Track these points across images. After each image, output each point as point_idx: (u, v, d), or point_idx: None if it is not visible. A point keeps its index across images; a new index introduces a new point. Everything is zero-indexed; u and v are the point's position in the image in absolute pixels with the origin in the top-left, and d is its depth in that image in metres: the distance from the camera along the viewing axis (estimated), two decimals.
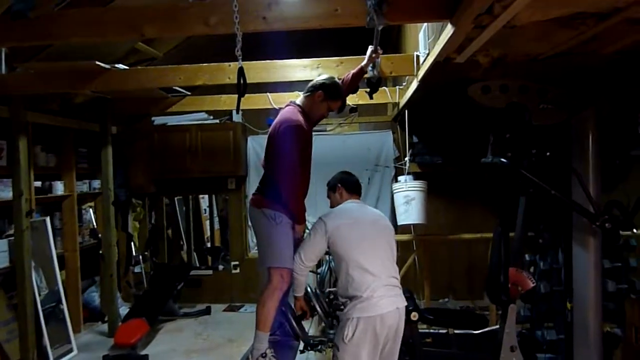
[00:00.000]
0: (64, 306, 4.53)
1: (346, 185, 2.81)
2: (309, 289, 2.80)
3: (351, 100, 3.22)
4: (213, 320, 5.38)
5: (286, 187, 2.45)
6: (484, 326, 3.63)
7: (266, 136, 6.38)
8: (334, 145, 5.69)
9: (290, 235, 2.56)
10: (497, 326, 3.15)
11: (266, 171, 2.62)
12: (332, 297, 2.79)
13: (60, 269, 4.68)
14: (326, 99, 2.56)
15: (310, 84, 2.61)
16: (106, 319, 5.07)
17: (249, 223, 6.00)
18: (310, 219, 6.24)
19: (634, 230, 3.52)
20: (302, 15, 2.35)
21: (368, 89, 3.18)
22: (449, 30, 2.23)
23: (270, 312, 2.50)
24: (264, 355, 2.47)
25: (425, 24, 2.99)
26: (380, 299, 2.38)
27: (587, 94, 3.26)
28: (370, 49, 2.55)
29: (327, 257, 5.01)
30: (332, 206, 2.83)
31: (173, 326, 5.21)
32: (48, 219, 4.58)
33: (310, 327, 4.70)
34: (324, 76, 2.64)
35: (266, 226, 2.46)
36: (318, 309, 2.81)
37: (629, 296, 3.41)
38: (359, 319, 2.35)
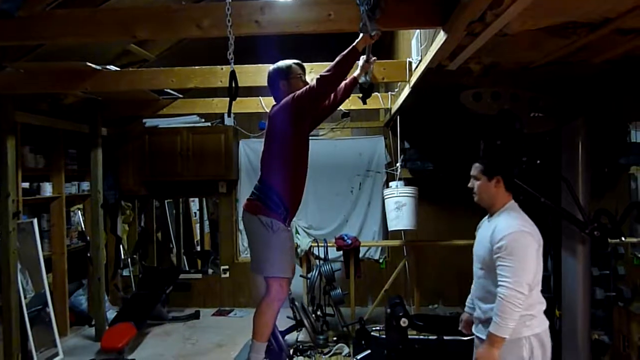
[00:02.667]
0: (50, 309, 4.46)
1: (509, 177, 2.37)
2: (296, 303, 2.75)
3: (343, 105, 3.22)
4: (202, 325, 5.33)
5: (292, 162, 2.39)
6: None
7: (258, 140, 6.35)
8: (325, 150, 5.69)
9: (288, 242, 2.51)
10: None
11: (264, 171, 2.51)
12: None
13: (47, 272, 4.61)
14: (302, 73, 2.51)
15: (275, 74, 2.49)
16: (93, 322, 5.01)
17: (240, 227, 5.98)
18: (301, 223, 6.25)
19: (623, 238, 3.55)
20: (295, 20, 2.35)
21: (360, 95, 3.19)
22: (441, 37, 2.25)
23: (268, 322, 2.47)
24: None
25: (418, 30, 3.00)
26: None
27: (578, 103, 3.29)
28: (362, 58, 2.54)
29: (317, 262, 5.00)
30: (488, 202, 2.35)
31: (161, 330, 5.15)
32: (35, 221, 4.52)
33: (300, 333, 4.68)
34: (283, 62, 2.54)
35: (263, 234, 2.39)
36: (306, 323, 2.79)
37: (617, 304, 3.44)
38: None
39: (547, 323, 2.24)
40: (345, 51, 2.19)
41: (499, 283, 2.12)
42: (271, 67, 2.52)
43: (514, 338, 2.12)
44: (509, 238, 2.13)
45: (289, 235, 2.51)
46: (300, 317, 2.75)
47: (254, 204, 2.44)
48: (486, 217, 2.44)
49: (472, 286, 2.50)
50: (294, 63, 2.50)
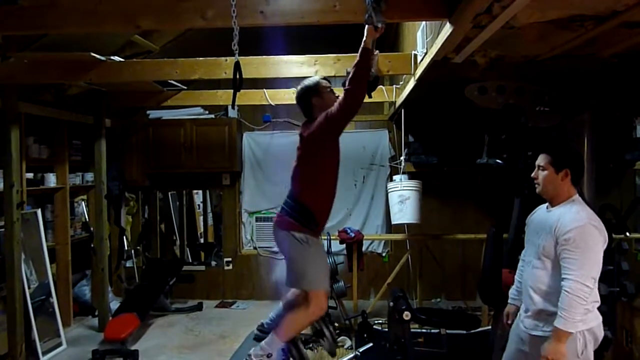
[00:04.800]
0: (54, 300, 4.49)
1: (578, 172, 2.30)
2: None
3: None
4: (205, 316, 5.36)
5: (326, 180, 2.43)
6: (476, 327, 3.64)
7: (262, 132, 6.32)
8: None
9: (322, 254, 2.53)
10: (489, 327, 3.15)
11: (295, 187, 2.50)
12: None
13: (51, 262, 4.64)
14: (330, 85, 2.53)
15: (305, 92, 2.51)
16: (96, 313, 5.04)
17: (243, 219, 5.99)
18: None
19: (627, 234, 3.54)
20: (300, 11, 2.33)
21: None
22: (447, 29, 2.22)
23: (298, 329, 2.51)
24: (269, 355, 2.43)
25: (424, 22, 2.97)
26: None
27: (584, 98, 3.26)
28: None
29: None
30: (552, 193, 2.26)
31: (164, 321, 5.18)
32: (39, 211, 4.54)
33: None
34: (309, 79, 2.56)
35: (297, 249, 2.39)
36: (326, 333, 2.75)
37: (621, 299, 3.43)
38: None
39: (600, 318, 2.19)
40: (358, 55, 2.17)
41: (565, 276, 2.07)
42: (298, 86, 2.53)
43: (578, 329, 2.08)
44: (577, 231, 2.07)
45: (322, 247, 2.54)
46: (320, 326, 2.73)
47: (286, 220, 2.43)
48: (543, 205, 2.36)
49: (517, 277, 2.48)
50: (321, 78, 2.53)
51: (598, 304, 2.19)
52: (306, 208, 2.39)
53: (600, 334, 2.18)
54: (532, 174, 2.32)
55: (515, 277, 2.54)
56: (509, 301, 2.55)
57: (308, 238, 2.38)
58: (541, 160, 2.28)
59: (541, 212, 2.36)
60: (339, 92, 2.31)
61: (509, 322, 2.51)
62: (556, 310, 2.07)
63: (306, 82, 2.52)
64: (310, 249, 2.39)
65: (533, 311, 2.25)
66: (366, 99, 2.65)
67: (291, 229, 2.39)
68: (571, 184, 2.23)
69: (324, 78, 2.55)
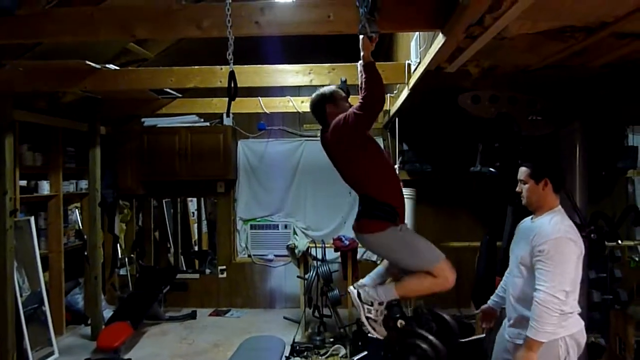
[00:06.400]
0: (47, 308, 4.46)
1: (558, 179, 2.34)
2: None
3: None
4: (198, 325, 5.33)
5: (372, 171, 2.35)
6: (470, 334, 3.63)
7: (257, 140, 6.34)
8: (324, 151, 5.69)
9: (416, 233, 2.49)
10: (483, 335, 3.16)
11: (358, 190, 2.43)
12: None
13: (44, 270, 4.61)
14: (345, 94, 2.52)
15: (320, 100, 2.46)
16: (89, 321, 5.01)
17: (238, 226, 5.98)
18: (299, 224, 6.26)
19: (619, 242, 3.56)
20: (294, 21, 2.35)
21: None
22: (440, 40, 2.25)
23: (418, 293, 2.49)
24: (381, 303, 2.38)
25: (417, 33, 3.00)
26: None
27: (575, 106, 3.30)
28: (360, 63, 2.53)
29: (315, 263, 5.01)
30: (537, 204, 2.32)
31: (158, 330, 5.15)
32: (32, 219, 4.52)
33: (297, 334, 4.69)
34: (326, 88, 2.52)
35: (396, 240, 2.32)
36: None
37: (614, 307, 3.45)
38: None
39: (582, 323, 2.24)
40: (363, 72, 2.16)
41: (537, 287, 2.12)
42: (313, 94, 2.50)
43: (550, 340, 2.12)
44: (552, 243, 2.12)
45: (411, 230, 2.48)
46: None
47: (374, 223, 2.34)
48: (529, 217, 2.42)
49: (502, 283, 2.54)
50: (336, 86, 2.52)
51: (578, 311, 2.23)
52: (387, 205, 2.32)
53: (583, 339, 2.23)
54: (517, 189, 2.39)
55: (500, 283, 2.59)
56: (489, 301, 2.62)
57: (400, 226, 2.33)
58: (521, 174, 2.36)
59: (527, 223, 2.42)
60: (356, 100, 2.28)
61: (483, 325, 2.60)
62: None
63: (322, 90, 2.50)
64: (407, 233, 2.37)
65: (515, 319, 2.29)
66: None
67: (378, 230, 2.32)
68: (554, 193, 2.30)
69: (340, 87, 2.52)
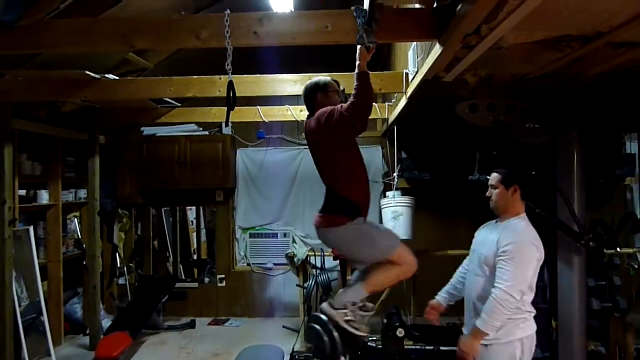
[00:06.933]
0: (45, 318, 4.44)
1: (525, 186, 2.49)
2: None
3: None
4: (198, 334, 5.31)
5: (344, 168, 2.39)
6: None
7: (256, 149, 6.35)
8: None
9: (375, 224, 2.51)
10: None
11: (327, 184, 2.48)
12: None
13: (43, 280, 4.59)
14: (339, 88, 2.53)
15: (313, 87, 2.48)
16: (88, 331, 4.98)
17: (237, 235, 5.97)
18: (298, 232, 6.24)
19: (618, 249, 3.56)
20: (293, 32, 2.37)
21: None
22: (437, 49, 2.27)
23: (385, 283, 2.48)
24: (354, 304, 2.39)
25: (415, 43, 3.03)
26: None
27: (573, 115, 3.32)
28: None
29: (314, 271, 5.00)
30: (503, 209, 2.47)
31: (157, 340, 5.12)
32: (32, 229, 4.51)
33: (296, 343, 4.67)
34: (321, 77, 2.54)
35: (354, 233, 2.35)
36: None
37: (613, 315, 3.44)
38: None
39: (535, 327, 2.36)
40: (356, 81, 2.16)
41: (495, 284, 2.25)
42: (308, 82, 2.52)
43: (508, 340, 2.28)
44: (516, 245, 2.25)
45: (368, 222, 2.48)
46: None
47: (335, 218, 2.38)
48: (493, 221, 2.55)
49: (455, 281, 2.70)
50: (332, 79, 2.53)
51: (534, 314, 2.36)
52: (350, 201, 2.36)
53: (534, 343, 2.37)
54: (487, 194, 2.54)
55: (451, 280, 2.76)
56: (437, 297, 2.75)
57: (357, 220, 2.35)
58: (492, 180, 2.52)
59: (490, 226, 2.57)
60: None
61: (429, 319, 2.74)
62: None
63: (316, 79, 2.53)
64: (364, 226, 2.38)
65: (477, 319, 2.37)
66: None
67: (341, 223, 2.35)
68: (521, 201, 2.46)
69: (335, 81, 2.53)
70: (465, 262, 2.71)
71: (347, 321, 2.37)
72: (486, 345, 2.31)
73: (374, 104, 4.70)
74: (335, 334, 2.34)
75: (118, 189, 5.67)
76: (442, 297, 2.74)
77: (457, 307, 2.80)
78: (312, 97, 2.48)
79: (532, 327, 2.34)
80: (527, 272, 2.25)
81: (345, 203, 2.36)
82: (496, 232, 2.39)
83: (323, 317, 2.38)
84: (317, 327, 2.37)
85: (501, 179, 2.48)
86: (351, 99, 2.18)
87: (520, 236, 2.30)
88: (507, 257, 2.25)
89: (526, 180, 2.58)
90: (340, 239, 2.42)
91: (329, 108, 2.31)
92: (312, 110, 2.49)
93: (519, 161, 3.23)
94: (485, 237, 2.48)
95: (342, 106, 2.25)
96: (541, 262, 2.32)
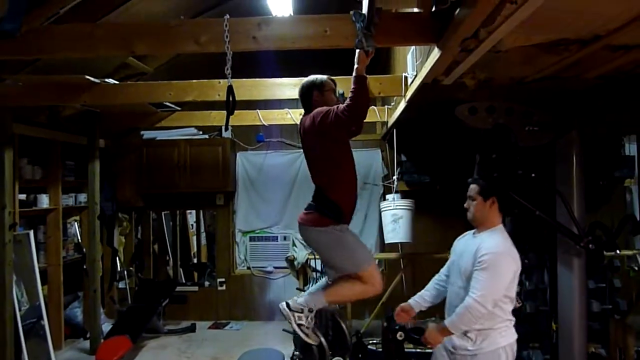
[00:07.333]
0: (45, 322, 4.43)
1: (504, 198, 2.50)
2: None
3: None
4: (198, 338, 5.30)
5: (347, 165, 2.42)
6: None
7: (255, 152, 6.35)
8: None
9: (356, 236, 2.52)
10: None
11: (316, 182, 2.49)
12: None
13: (43, 284, 4.59)
14: (335, 87, 2.53)
15: (309, 85, 2.50)
16: (88, 335, 4.97)
17: (237, 239, 5.97)
18: (298, 235, 6.23)
19: (618, 251, 3.57)
20: (292, 36, 2.38)
21: None
22: (436, 53, 2.28)
23: (346, 296, 2.54)
24: (310, 310, 2.42)
25: (413, 46, 3.04)
26: None
27: (571, 117, 3.32)
28: None
29: (314, 274, 4.99)
30: (480, 220, 2.47)
31: (157, 344, 5.12)
32: (32, 233, 4.50)
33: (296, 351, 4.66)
34: (317, 75, 2.55)
35: (334, 238, 2.37)
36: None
37: (614, 316, 3.44)
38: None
39: (516, 335, 2.40)
40: (353, 84, 2.17)
41: (470, 292, 2.27)
42: (304, 79, 2.53)
43: (492, 349, 2.31)
44: (492, 256, 2.27)
45: (351, 231, 2.49)
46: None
47: (317, 217, 2.39)
48: (470, 232, 2.57)
49: (431, 285, 2.68)
50: (328, 78, 2.54)
51: (514, 322, 2.39)
52: (335, 204, 2.37)
53: (515, 350, 2.40)
54: (465, 205, 2.54)
55: (427, 286, 2.72)
56: (410, 300, 2.71)
57: (341, 226, 2.37)
58: (471, 191, 2.51)
59: (468, 237, 2.57)
60: None
61: (395, 315, 2.70)
62: (482, 327, 2.29)
63: (313, 77, 2.53)
64: (346, 234, 2.39)
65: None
66: None
67: (324, 225, 2.36)
68: (499, 212, 2.46)
69: (331, 79, 2.53)
70: (443, 270, 2.69)
71: (300, 325, 2.42)
72: (472, 355, 2.35)
73: (373, 107, 4.72)
74: (322, 339, 2.36)
75: (118, 192, 5.68)
76: (414, 301, 2.70)
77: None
78: (309, 95, 2.49)
79: (513, 335, 2.38)
80: (500, 283, 2.26)
81: (330, 205, 2.37)
82: (473, 244, 2.40)
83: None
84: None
85: (479, 190, 2.47)
86: (347, 101, 2.19)
87: (496, 247, 2.31)
88: (482, 266, 2.26)
89: (505, 191, 2.59)
90: (320, 240, 2.43)
91: (325, 108, 2.32)
92: (308, 109, 2.50)
93: (518, 163, 3.23)
94: (464, 249, 2.48)
95: (338, 107, 2.25)
96: (518, 273, 2.34)
